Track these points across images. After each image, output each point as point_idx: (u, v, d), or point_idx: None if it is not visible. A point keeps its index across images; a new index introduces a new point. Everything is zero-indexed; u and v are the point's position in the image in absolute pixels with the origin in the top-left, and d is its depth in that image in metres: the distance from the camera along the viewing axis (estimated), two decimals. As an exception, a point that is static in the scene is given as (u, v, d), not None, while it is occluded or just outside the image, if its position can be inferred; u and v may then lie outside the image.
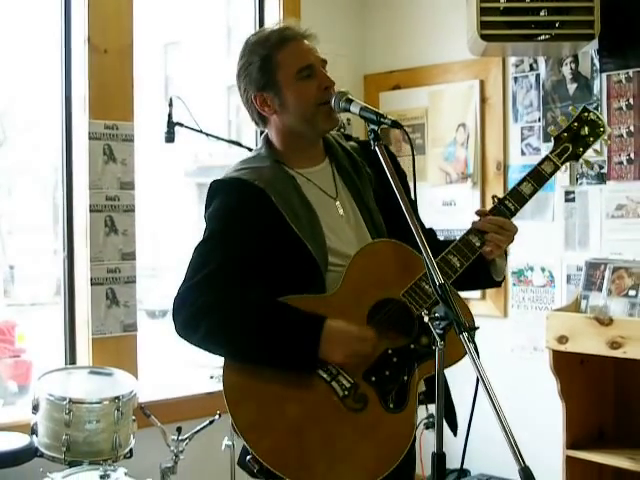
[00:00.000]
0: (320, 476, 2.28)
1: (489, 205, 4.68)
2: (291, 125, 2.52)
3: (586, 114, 2.70)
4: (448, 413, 2.58)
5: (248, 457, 2.32)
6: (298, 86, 2.47)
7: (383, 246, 2.51)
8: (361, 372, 2.35)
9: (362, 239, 2.52)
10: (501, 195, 2.65)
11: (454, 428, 2.59)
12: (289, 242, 2.38)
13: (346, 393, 2.32)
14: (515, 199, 2.59)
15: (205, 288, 2.33)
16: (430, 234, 2.71)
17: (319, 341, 2.29)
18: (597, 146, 2.76)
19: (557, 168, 2.64)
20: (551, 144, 4.39)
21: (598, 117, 2.71)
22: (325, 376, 2.31)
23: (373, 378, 2.35)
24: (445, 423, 2.57)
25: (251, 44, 2.55)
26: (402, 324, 2.42)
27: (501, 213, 2.57)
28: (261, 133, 2.70)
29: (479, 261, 2.52)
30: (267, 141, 2.59)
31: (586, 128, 2.68)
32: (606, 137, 2.75)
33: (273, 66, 2.49)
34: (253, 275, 2.37)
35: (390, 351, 2.39)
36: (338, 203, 2.54)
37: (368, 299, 2.41)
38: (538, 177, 2.61)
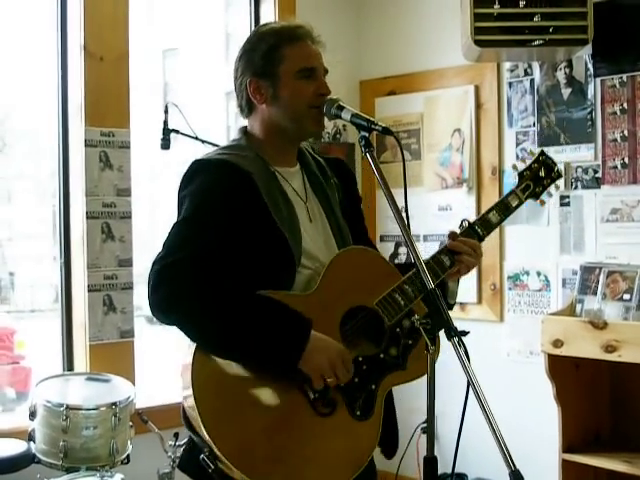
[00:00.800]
0: (286, 477, 2.26)
1: (485, 208, 4.72)
2: (277, 119, 2.51)
3: (543, 157, 2.89)
4: (388, 434, 2.55)
5: (203, 456, 2.26)
6: (296, 84, 2.48)
7: (359, 253, 2.53)
8: None
9: (329, 245, 2.53)
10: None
11: (391, 451, 2.59)
12: (269, 232, 2.37)
13: (316, 396, 2.30)
14: (484, 226, 2.69)
15: (189, 268, 2.25)
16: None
17: (302, 354, 2.26)
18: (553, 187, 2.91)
19: (521, 203, 2.80)
20: (546, 149, 4.46)
21: (553, 162, 2.90)
22: (297, 377, 2.29)
23: (342, 384, 2.35)
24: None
25: (261, 32, 2.56)
26: (373, 333, 2.44)
27: (470, 237, 2.64)
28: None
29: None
30: (246, 132, 2.58)
31: (543, 170, 2.85)
32: (559, 183, 2.93)
33: (278, 57, 2.49)
34: (232, 260, 2.32)
35: (360, 359, 2.39)
36: (308, 207, 2.54)
37: (342, 304, 2.41)
38: (505, 208, 2.75)
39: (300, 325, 2.29)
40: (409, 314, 2.44)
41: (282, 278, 2.38)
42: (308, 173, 2.61)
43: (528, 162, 2.87)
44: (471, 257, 2.58)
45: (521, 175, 2.83)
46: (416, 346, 2.45)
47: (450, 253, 2.57)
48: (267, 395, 2.28)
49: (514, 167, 2.88)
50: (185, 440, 2.47)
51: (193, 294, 2.25)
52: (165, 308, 2.27)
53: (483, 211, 2.74)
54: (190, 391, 2.22)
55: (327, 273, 2.42)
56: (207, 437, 2.20)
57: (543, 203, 2.90)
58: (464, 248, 2.57)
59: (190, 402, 2.24)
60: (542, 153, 2.90)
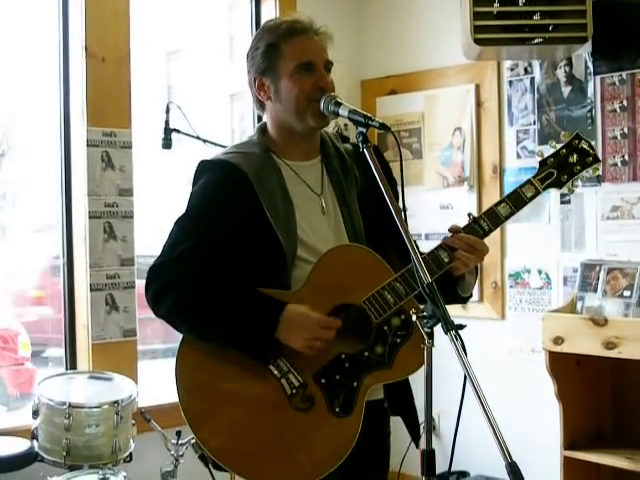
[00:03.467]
0: (260, 471, 2.29)
1: (486, 206, 4.72)
2: (282, 115, 2.55)
3: (577, 141, 2.66)
4: (410, 419, 2.61)
5: (194, 440, 2.39)
6: (294, 79, 2.50)
7: (352, 251, 2.52)
8: (312, 373, 2.36)
9: (339, 239, 2.54)
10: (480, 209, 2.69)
11: (416, 436, 2.62)
12: (262, 230, 2.41)
13: (294, 392, 2.32)
14: (490, 219, 2.56)
15: (179, 264, 2.37)
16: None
17: (278, 321, 2.31)
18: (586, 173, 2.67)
19: (538, 193, 2.61)
20: (546, 147, 4.45)
21: (590, 146, 2.67)
22: (276, 372, 2.32)
23: (323, 380, 2.36)
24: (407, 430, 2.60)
25: (262, 30, 2.60)
26: (359, 330, 2.43)
27: (474, 232, 2.54)
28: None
29: (446, 276, 2.51)
30: (261, 129, 2.62)
31: (575, 156, 2.63)
32: (596, 166, 2.68)
33: (276, 54, 2.52)
34: (225, 257, 2.39)
35: (343, 356, 2.40)
36: (322, 200, 2.56)
37: (329, 302, 2.42)
38: (517, 200, 2.58)
39: (274, 302, 2.34)
40: (399, 312, 2.44)
41: (276, 275, 2.42)
42: (328, 166, 2.62)
43: (557, 147, 2.65)
44: (468, 253, 2.50)
45: (543, 163, 2.63)
46: (404, 345, 2.44)
47: (449, 249, 2.51)
48: (247, 388, 2.31)
49: (540, 154, 2.68)
50: (188, 439, 2.54)
51: (177, 287, 2.36)
52: (157, 303, 2.40)
53: (492, 203, 2.61)
54: (176, 388, 2.34)
55: (315, 270, 2.43)
56: (195, 437, 2.30)
57: (573, 191, 2.66)
58: (459, 244, 2.50)
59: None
60: (577, 136, 2.66)
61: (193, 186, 2.52)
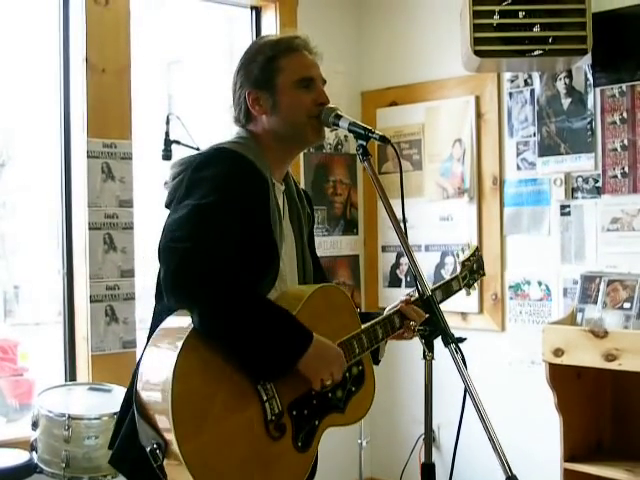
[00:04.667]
0: None
1: (485, 220, 4.73)
2: (278, 129, 2.51)
3: (479, 253, 3.14)
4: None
5: (150, 448, 2.14)
6: (295, 94, 2.49)
7: (338, 293, 2.58)
8: (287, 402, 2.32)
9: (292, 268, 2.57)
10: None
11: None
12: (266, 245, 2.39)
13: (273, 418, 2.28)
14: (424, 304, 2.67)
15: (218, 256, 2.20)
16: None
17: (306, 350, 2.27)
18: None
19: (459, 289, 2.98)
20: (546, 159, 4.48)
21: (482, 260, 3.13)
22: (263, 394, 2.26)
23: (294, 412, 2.34)
24: None
25: (259, 45, 2.58)
26: None
27: (421, 307, 2.63)
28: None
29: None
30: (253, 135, 2.55)
31: (475, 265, 3.08)
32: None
33: (275, 68, 2.50)
34: (244, 258, 2.29)
35: (313, 392, 2.38)
36: (283, 226, 2.53)
37: None
38: (447, 290, 2.93)
39: (306, 331, 2.30)
40: (357, 363, 2.51)
41: (264, 284, 2.39)
42: (289, 195, 2.62)
43: (467, 254, 3.07)
44: (415, 324, 2.63)
45: (463, 264, 3.02)
46: (357, 394, 2.51)
47: (403, 316, 2.64)
48: (233, 404, 2.23)
49: (457, 255, 3.10)
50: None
51: (220, 280, 2.18)
52: (197, 283, 2.17)
53: (432, 286, 2.80)
54: (169, 381, 2.12)
55: (307, 303, 2.43)
56: (172, 433, 2.11)
57: (469, 294, 3.06)
58: (413, 315, 2.62)
59: (164, 389, 2.14)
60: (478, 249, 3.13)
61: (202, 169, 2.36)
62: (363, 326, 2.52)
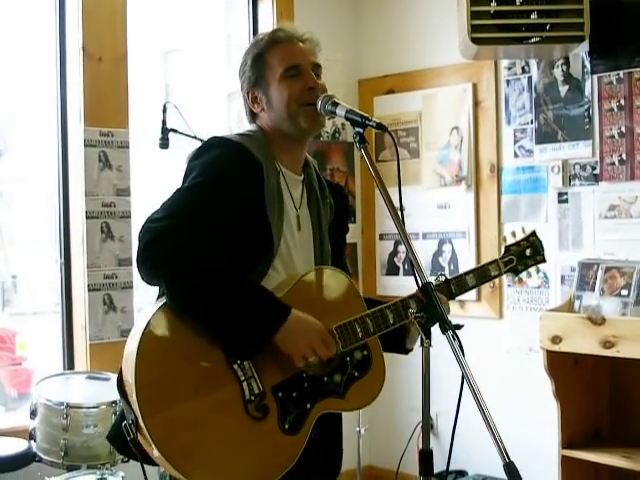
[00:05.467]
0: (197, 468, 2.20)
1: (483, 208, 4.74)
2: (277, 123, 2.54)
3: (533, 238, 2.93)
4: (331, 458, 2.60)
5: (125, 422, 2.22)
6: (283, 85, 2.50)
7: (337, 277, 2.54)
8: (271, 384, 2.32)
9: (308, 257, 2.57)
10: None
11: (332, 475, 2.61)
12: (258, 223, 2.40)
13: (252, 398, 2.28)
14: (459, 285, 2.70)
15: (194, 234, 2.27)
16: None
17: (282, 324, 2.27)
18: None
19: (500, 275, 2.84)
20: (544, 146, 4.47)
21: (541, 246, 2.94)
22: (240, 374, 2.27)
23: (280, 394, 2.33)
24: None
25: (250, 44, 2.63)
26: None
27: (444, 292, 2.62)
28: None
29: (399, 327, 2.54)
30: (261, 130, 2.60)
31: (529, 250, 2.90)
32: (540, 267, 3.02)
33: (263, 65, 2.54)
34: (225, 242, 2.33)
35: (304, 375, 2.37)
36: (299, 216, 2.56)
37: None
38: (482, 275, 2.78)
39: (282, 305, 2.31)
40: (362, 347, 2.47)
41: (255, 270, 2.39)
42: (309, 186, 2.64)
43: (518, 238, 2.91)
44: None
45: (507, 249, 2.87)
46: (360, 379, 2.46)
47: (419, 301, 2.50)
48: (206, 382, 2.24)
49: (504, 239, 2.92)
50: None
51: (188, 255, 2.25)
52: (160, 262, 2.26)
53: (462, 271, 2.75)
54: (133, 355, 2.18)
55: (296, 286, 2.43)
56: (136, 405, 2.16)
57: (520, 281, 2.93)
58: None
59: (129, 365, 2.19)
60: (534, 234, 2.93)
61: (198, 157, 2.44)
62: (370, 311, 2.47)
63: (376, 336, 2.47)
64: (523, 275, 2.96)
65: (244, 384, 2.28)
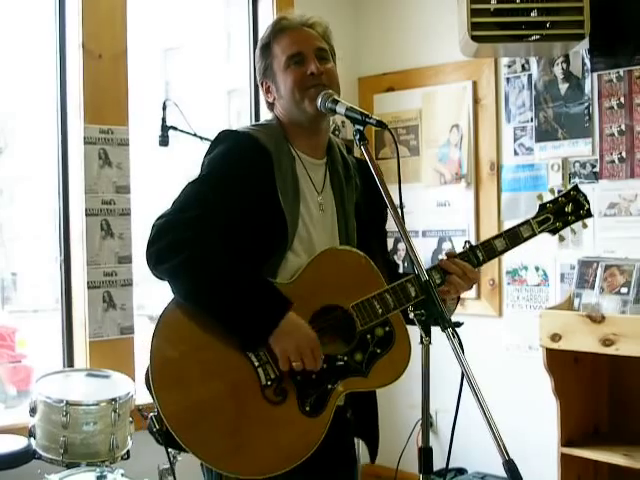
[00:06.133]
0: (217, 455, 2.25)
1: (483, 206, 4.73)
2: (287, 111, 2.58)
3: (575, 192, 2.73)
4: (371, 436, 2.61)
5: (152, 414, 2.29)
6: (287, 72, 2.53)
7: (352, 255, 2.51)
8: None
9: (332, 239, 2.56)
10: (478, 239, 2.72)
11: (373, 453, 2.61)
12: (271, 210, 2.41)
13: (269, 383, 2.30)
14: (486, 251, 2.59)
15: (194, 227, 2.33)
16: (390, 266, 2.73)
17: (278, 324, 2.29)
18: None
19: (534, 235, 2.66)
20: (544, 144, 4.46)
21: (586, 200, 2.74)
22: (254, 360, 2.30)
23: (298, 377, 2.34)
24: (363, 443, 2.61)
25: (260, 38, 2.66)
26: (343, 334, 2.42)
27: (469, 260, 2.56)
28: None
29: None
30: (278, 119, 2.63)
31: (571, 206, 2.70)
32: (586, 222, 2.75)
33: (269, 55, 2.59)
34: (234, 229, 2.38)
35: (323, 356, 2.36)
36: (321, 199, 2.57)
37: (317, 301, 2.41)
38: (514, 237, 2.63)
39: (281, 303, 2.32)
40: (384, 324, 2.43)
41: (269, 258, 2.41)
42: (332, 168, 2.64)
43: (557, 194, 2.72)
44: (461, 280, 2.51)
45: (542, 207, 2.69)
46: (383, 356, 2.43)
47: (443, 271, 2.52)
48: (221, 369, 2.29)
49: (539, 197, 2.73)
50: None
51: (192, 248, 2.31)
52: (163, 257, 2.33)
53: (491, 236, 2.64)
54: (150, 353, 2.27)
55: (309, 267, 2.43)
56: (156, 401, 2.25)
57: (562, 239, 2.75)
58: (454, 268, 2.51)
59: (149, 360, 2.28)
60: (576, 188, 2.75)
61: (209, 153, 2.52)
62: (389, 286, 2.43)
63: (398, 311, 2.42)
64: (569, 233, 2.73)
65: (259, 370, 2.31)
